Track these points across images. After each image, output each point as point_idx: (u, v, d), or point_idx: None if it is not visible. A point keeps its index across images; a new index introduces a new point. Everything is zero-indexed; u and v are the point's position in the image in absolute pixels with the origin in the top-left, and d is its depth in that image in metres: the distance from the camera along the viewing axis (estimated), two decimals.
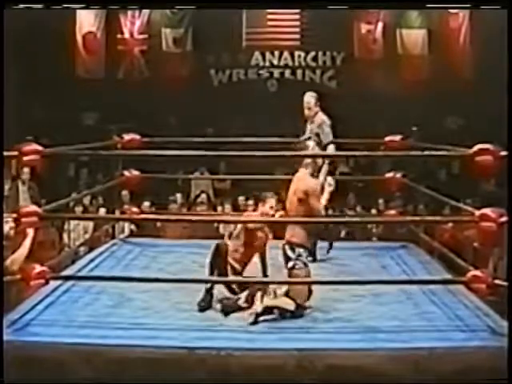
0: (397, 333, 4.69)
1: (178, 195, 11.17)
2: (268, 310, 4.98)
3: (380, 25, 14.32)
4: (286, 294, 5.07)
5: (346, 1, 12.63)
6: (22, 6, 11.74)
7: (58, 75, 13.62)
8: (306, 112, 7.09)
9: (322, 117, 7.05)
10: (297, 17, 14.33)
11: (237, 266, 5.50)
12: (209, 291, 5.22)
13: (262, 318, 4.92)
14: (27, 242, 5.00)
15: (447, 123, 14.20)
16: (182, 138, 8.20)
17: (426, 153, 6.24)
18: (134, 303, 5.29)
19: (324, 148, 6.86)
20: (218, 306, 5.15)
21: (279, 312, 4.98)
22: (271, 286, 5.18)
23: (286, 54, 14.58)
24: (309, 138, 6.88)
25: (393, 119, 12.04)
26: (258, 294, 5.05)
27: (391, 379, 4.28)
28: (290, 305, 5.01)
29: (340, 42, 14.33)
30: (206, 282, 5.39)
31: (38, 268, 4.84)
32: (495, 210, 4.78)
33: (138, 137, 7.31)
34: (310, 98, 7.12)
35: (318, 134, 6.95)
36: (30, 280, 4.80)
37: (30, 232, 5.00)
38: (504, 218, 4.71)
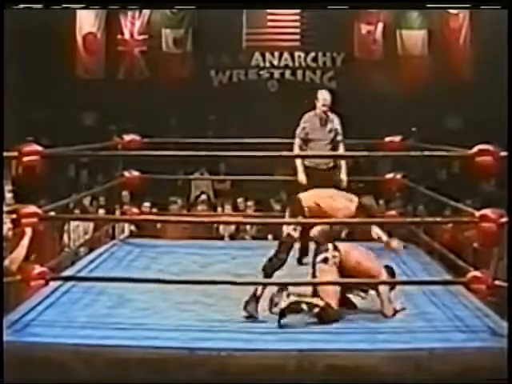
0: (397, 333, 4.69)
1: (179, 201, 11.17)
2: (294, 305, 4.88)
3: (380, 25, 14.34)
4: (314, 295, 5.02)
5: (346, 1, 12.64)
6: (21, 6, 11.75)
7: (58, 75, 13.64)
8: (325, 109, 6.84)
9: (333, 115, 6.92)
10: (297, 17, 14.36)
11: None
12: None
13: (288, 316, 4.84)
14: (25, 242, 5.00)
15: (447, 124, 14.21)
16: (182, 138, 8.21)
17: (426, 153, 6.25)
18: (135, 304, 5.29)
19: (337, 145, 6.86)
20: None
21: (307, 307, 4.89)
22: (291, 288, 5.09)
23: (286, 54, 14.59)
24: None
25: (393, 120, 12.05)
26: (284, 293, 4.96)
27: (391, 380, 4.28)
28: (319, 301, 4.93)
29: (340, 42, 14.35)
30: (206, 283, 5.40)
31: (37, 269, 4.84)
32: (495, 211, 4.78)
33: (138, 137, 7.32)
34: (327, 95, 6.88)
35: (336, 130, 6.87)
36: (30, 281, 4.80)
37: (28, 231, 4.99)
38: (504, 219, 4.71)
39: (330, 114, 6.89)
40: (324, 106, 6.82)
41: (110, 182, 7.85)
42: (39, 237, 5.25)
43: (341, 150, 6.96)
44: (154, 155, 5.97)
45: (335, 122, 6.90)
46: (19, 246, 4.99)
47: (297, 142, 6.93)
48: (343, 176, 6.91)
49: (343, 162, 6.95)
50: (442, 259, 6.66)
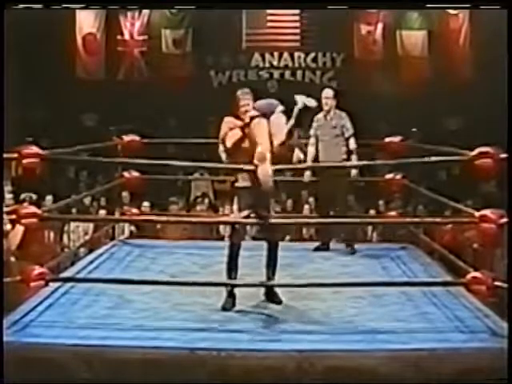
0: (397, 334, 4.69)
1: (179, 201, 11.16)
2: None
3: (380, 26, 14.33)
4: None
5: (346, 1, 12.63)
6: (21, 6, 11.74)
7: (58, 76, 13.64)
8: (324, 101, 7.24)
9: (340, 111, 7.35)
10: (297, 18, 14.35)
11: None
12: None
13: None
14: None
15: (447, 124, 14.21)
16: (181, 139, 8.21)
17: (426, 159, 6.23)
18: (134, 304, 5.29)
19: (346, 140, 7.22)
20: None
21: None
22: None
23: (285, 55, 14.59)
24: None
25: (393, 120, 12.05)
26: None
27: (391, 380, 4.28)
28: None
29: (340, 43, 14.35)
30: (206, 284, 5.40)
31: (37, 269, 4.84)
32: (495, 212, 4.78)
33: (137, 138, 7.32)
34: (329, 90, 7.45)
35: (343, 126, 7.26)
36: (29, 281, 4.80)
37: None
38: (504, 220, 4.71)
39: (332, 110, 7.34)
40: (325, 98, 7.31)
41: (109, 183, 7.85)
42: (39, 237, 5.27)
43: (351, 146, 7.25)
44: (153, 164, 5.87)
45: (336, 119, 7.32)
46: (15, 229, 5.03)
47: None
48: (354, 171, 7.27)
49: (354, 157, 7.22)
50: (442, 260, 6.66)
